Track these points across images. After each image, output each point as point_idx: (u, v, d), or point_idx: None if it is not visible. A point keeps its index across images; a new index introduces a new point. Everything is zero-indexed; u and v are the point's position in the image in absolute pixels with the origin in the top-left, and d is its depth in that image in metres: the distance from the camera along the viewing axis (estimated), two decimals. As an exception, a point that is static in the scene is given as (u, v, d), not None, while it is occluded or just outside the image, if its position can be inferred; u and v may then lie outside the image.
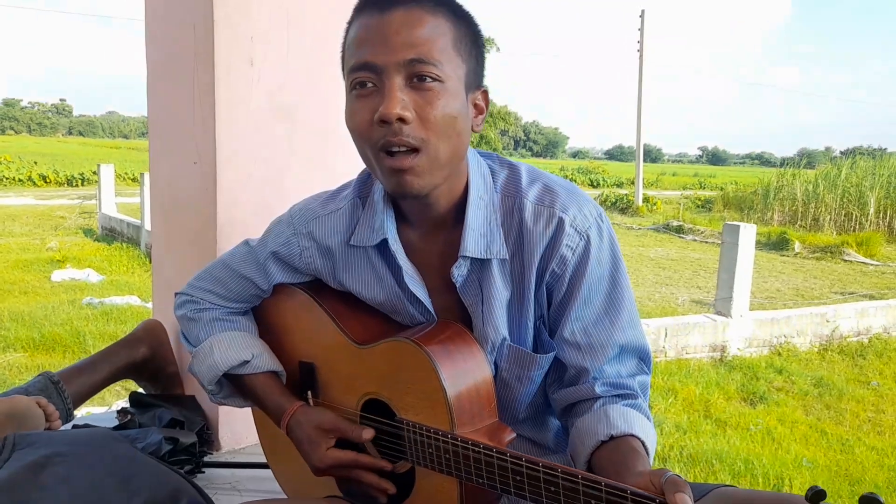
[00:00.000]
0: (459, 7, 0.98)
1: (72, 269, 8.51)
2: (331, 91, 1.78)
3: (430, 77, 0.92)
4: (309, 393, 1.23)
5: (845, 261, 12.21)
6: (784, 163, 22.90)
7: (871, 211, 16.18)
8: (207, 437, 1.72)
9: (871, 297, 8.19)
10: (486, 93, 1.03)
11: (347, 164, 1.84)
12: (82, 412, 3.54)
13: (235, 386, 1.25)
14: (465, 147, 1.01)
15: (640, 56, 22.14)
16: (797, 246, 13.18)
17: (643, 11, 22.25)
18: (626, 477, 0.87)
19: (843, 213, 16.65)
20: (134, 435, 1.55)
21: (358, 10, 0.97)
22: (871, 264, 11.95)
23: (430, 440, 1.01)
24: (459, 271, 1.05)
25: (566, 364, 1.08)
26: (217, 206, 1.63)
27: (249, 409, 1.74)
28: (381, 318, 1.17)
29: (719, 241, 6.99)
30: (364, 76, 0.94)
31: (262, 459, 1.65)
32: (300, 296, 1.23)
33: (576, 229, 1.03)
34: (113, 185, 12.85)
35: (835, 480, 3.84)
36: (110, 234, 11.63)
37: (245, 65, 1.62)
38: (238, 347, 1.21)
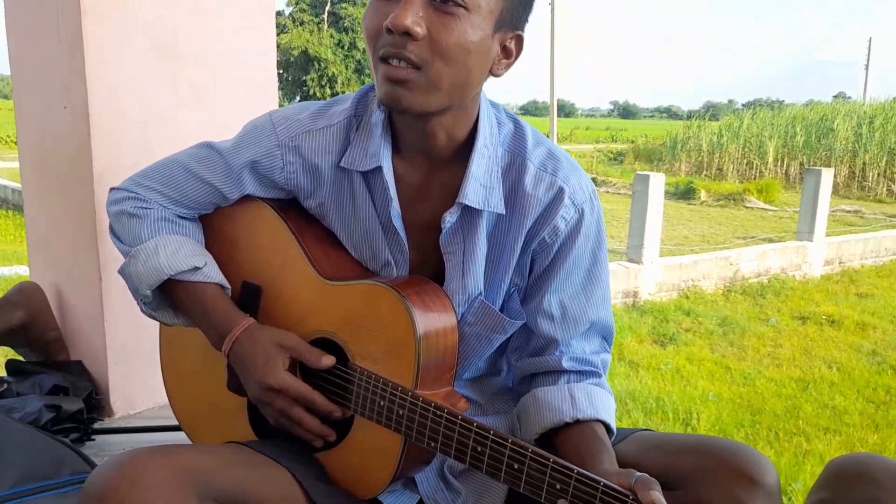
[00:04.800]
0: None
1: (-49, 241, 7.87)
2: (218, 24, 1.65)
3: (454, 1, 0.86)
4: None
5: (747, 207, 12.84)
6: (690, 115, 23.75)
7: (770, 159, 17.06)
8: (97, 402, 1.60)
9: (770, 241, 8.65)
10: (520, 38, 0.96)
11: (242, 100, 1.73)
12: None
13: (172, 297, 1.10)
14: (474, 85, 0.94)
15: (552, 11, 22.24)
16: (703, 195, 13.75)
17: (554, -35, 22.29)
18: (591, 469, 0.85)
19: (745, 161, 17.49)
20: (10, 405, 1.42)
21: None
22: (770, 210, 12.62)
23: (384, 394, 0.95)
24: (451, 217, 1.00)
25: (536, 333, 1.06)
26: (92, 153, 1.49)
27: (142, 371, 1.63)
28: (350, 258, 1.09)
29: (630, 193, 7.17)
30: None
31: (161, 423, 1.55)
32: (265, 211, 1.11)
33: (573, 202, 1.02)
34: (-7, 148, 11.90)
35: (738, 412, 4.06)
36: (-9, 201, 10.81)
37: (114, -6, 1.46)
38: (188, 253, 1.07)
